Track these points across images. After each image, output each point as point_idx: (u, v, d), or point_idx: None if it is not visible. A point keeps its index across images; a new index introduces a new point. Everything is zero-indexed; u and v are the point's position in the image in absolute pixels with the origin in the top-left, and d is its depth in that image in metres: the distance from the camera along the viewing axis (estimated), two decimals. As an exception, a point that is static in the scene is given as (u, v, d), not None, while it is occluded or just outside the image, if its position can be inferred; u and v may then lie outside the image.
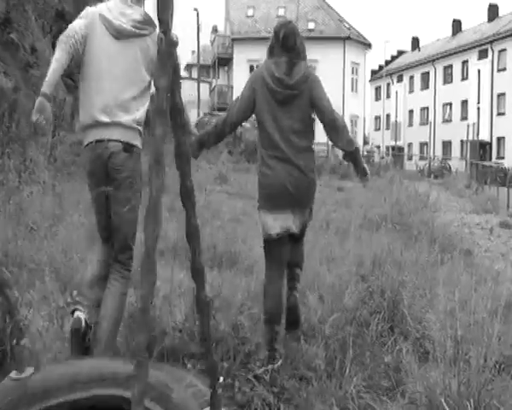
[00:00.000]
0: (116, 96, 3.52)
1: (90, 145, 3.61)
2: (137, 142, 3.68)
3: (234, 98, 4.12)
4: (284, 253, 3.95)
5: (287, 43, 3.95)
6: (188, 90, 48.44)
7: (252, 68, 48.37)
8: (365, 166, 4.13)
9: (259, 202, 3.98)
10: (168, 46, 1.12)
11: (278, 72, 3.89)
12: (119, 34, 3.55)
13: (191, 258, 1.45)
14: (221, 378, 1.71)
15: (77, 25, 3.53)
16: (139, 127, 3.66)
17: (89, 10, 3.62)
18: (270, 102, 3.88)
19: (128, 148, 3.61)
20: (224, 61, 51.47)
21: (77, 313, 3.39)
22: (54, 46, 3.16)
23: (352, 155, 4.04)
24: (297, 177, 3.85)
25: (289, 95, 3.87)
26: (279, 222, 3.84)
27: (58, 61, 3.40)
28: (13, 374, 2.00)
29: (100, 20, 3.56)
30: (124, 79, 3.55)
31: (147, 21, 3.62)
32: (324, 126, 3.95)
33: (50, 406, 1.93)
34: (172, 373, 1.98)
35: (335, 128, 3.90)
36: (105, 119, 3.51)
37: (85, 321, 3.35)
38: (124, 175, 3.61)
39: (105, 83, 3.52)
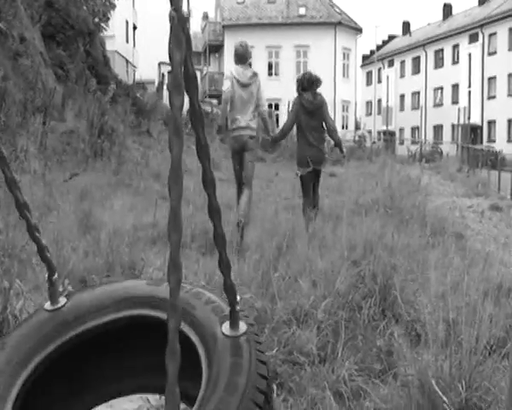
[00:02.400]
0: (246, 114, 7.47)
1: (235, 136, 7.54)
2: (255, 134, 7.64)
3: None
4: (308, 182, 7.98)
5: (312, 83, 7.90)
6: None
7: (243, 55, 48.20)
8: (343, 148, 8.51)
9: (299, 162, 8.10)
10: (181, 22, 1.29)
11: (310, 98, 7.88)
12: (243, 85, 7.47)
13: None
14: (238, 297, 1.77)
15: (226, 88, 7.46)
16: (255, 127, 7.66)
17: (228, 74, 7.63)
18: (304, 114, 7.89)
19: (252, 137, 7.57)
20: (215, 48, 51.28)
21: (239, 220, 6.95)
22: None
23: (337, 144, 8.32)
24: (318, 153, 7.95)
25: (313, 109, 7.88)
26: (307, 169, 7.89)
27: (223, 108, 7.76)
28: (47, 305, 2.01)
29: (233, 78, 7.44)
30: (248, 106, 7.49)
31: (254, 75, 7.59)
32: (327, 128, 8.05)
33: (84, 331, 1.97)
34: (191, 291, 2.00)
35: (335, 139, 8.27)
36: (243, 124, 7.46)
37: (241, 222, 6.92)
38: (252, 150, 7.61)
39: (241, 108, 7.46)
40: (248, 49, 7.77)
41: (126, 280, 2.54)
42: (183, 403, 1.72)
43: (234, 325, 1.78)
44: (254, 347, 1.74)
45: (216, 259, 4.67)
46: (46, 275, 1.98)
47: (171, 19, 1.28)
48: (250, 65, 7.89)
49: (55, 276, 1.99)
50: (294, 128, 8.31)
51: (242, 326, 1.79)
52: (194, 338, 1.81)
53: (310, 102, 7.85)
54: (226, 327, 1.79)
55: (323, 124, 7.98)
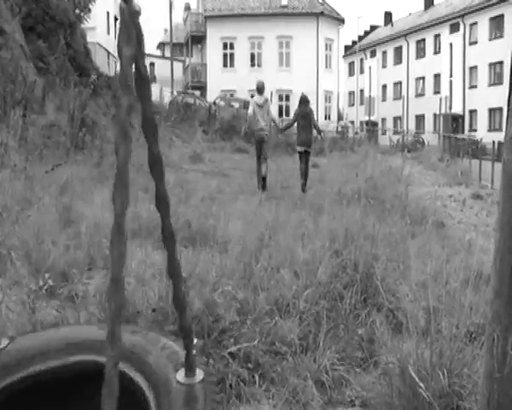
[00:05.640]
0: (262, 122, 12.88)
1: (258, 133, 12.95)
2: (268, 133, 13.26)
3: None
4: (302, 157, 13.08)
5: (305, 101, 13.40)
6: (161, 69, 47.99)
7: (225, 46, 47.97)
8: (321, 132, 14.96)
9: (297, 144, 13.45)
10: (131, 16, 1.14)
11: (303, 108, 13.27)
12: (260, 106, 12.90)
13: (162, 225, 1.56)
14: (195, 340, 1.70)
15: (251, 109, 13.28)
16: (268, 129, 13.31)
17: (251, 100, 13.74)
18: (300, 117, 13.20)
19: (267, 134, 13.16)
20: (198, 39, 50.95)
21: (264, 174, 12.71)
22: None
23: (318, 132, 14.09)
24: (308, 139, 13.17)
25: (305, 114, 13.16)
26: (302, 148, 13.12)
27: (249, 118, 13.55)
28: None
29: (255, 102, 13.08)
30: (264, 117, 12.92)
31: (266, 100, 13.24)
32: (313, 125, 13.47)
33: (25, 376, 1.89)
34: (147, 336, 1.96)
35: (316, 129, 13.65)
36: (262, 126, 12.91)
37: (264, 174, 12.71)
38: (266, 142, 13.03)
39: (259, 119, 12.88)
40: (264, 85, 13.26)
41: (77, 325, 2.47)
42: None
43: (190, 373, 1.71)
44: (211, 396, 1.67)
45: (199, 252, 4.62)
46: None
47: (121, 11, 1.16)
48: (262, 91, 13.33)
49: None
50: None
51: (199, 374, 1.72)
52: (144, 385, 1.74)
53: (303, 110, 13.18)
54: (181, 374, 1.72)
55: (311, 123, 13.27)
